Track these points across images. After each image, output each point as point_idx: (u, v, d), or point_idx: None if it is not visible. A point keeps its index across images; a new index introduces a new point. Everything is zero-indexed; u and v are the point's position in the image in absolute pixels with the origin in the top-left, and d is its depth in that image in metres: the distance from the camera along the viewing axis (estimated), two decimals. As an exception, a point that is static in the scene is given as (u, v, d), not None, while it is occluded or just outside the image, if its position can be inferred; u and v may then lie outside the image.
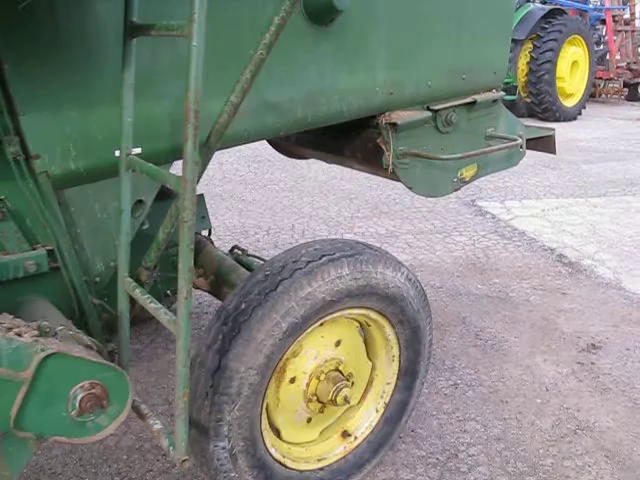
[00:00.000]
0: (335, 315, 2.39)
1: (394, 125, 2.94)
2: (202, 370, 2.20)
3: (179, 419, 1.93)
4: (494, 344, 3.88)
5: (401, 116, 2.97)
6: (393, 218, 6.08)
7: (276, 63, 2.49)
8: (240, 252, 3.21)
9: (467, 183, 3.45)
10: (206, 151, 2.07)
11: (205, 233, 3.46)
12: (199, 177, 2.36)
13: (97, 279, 2.40)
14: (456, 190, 3.39)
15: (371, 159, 3.12)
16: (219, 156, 3.81)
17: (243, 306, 2.22)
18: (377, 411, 2.72)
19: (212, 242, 3.30)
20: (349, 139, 3.18)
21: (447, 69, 3.06)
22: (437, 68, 3.01)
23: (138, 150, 2.26)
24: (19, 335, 1.78)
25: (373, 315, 2.50)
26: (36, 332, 1.81)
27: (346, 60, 2.71)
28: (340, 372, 2.51)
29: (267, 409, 2.44)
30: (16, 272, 2.18)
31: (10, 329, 1.78)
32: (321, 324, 2.43)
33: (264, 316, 2.17)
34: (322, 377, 2.47)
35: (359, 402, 2.72)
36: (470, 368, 3.61)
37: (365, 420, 2.72)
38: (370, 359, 2.69)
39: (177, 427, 1.94)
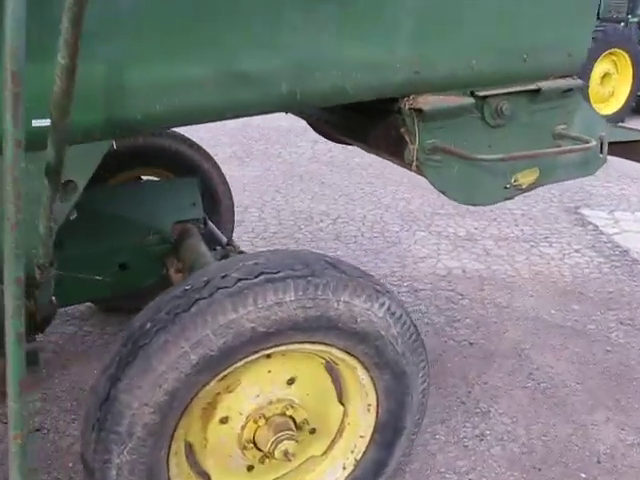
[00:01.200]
0: (279, 349, 1.85)
1: (420, 112, 2.30)
2: (93, 398, 1.74)
3: (13, 465, 1.49)
4: (548, 388, 3.13)
5: (430, 101, 2.31)
6: (478, 219, 5.33)
7: (253, 21, 1.95)
8: (232, 248, 2.72)
9: (525, 191, 2.73)
10: (56, 132, 1.55)
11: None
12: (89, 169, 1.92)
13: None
14: (508, 199, 2.68)
15: (395, 151, 2.50)
16: (313, 135, 3.34)
17: (148, 326, 1.72)
18: (344, 468, 2.13)
19: (201, 233, 2.82)
20: (373, 124, 2.58)
21: (500, 45, 2.34)
22: (485, 43, 2.31)
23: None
24: None
25: (337, 353, 1.93)
26: None
27: (354, 24, 2.10)
28: (289, 418, 1.97)
29: (190, 448, 1.95)
30: None
31: None
32: (268, 356, 1.90)
33: (168, 343, 1.66)
34: (261, 422, 1.93)
35: (323, 454, 2.15)
36: (508, 416, 2.90)
37: (328, 477, 2.16)
38: (342, 403, 2.12)
39: (11, 475, 1.50)
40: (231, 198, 3.66)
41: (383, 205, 5.67)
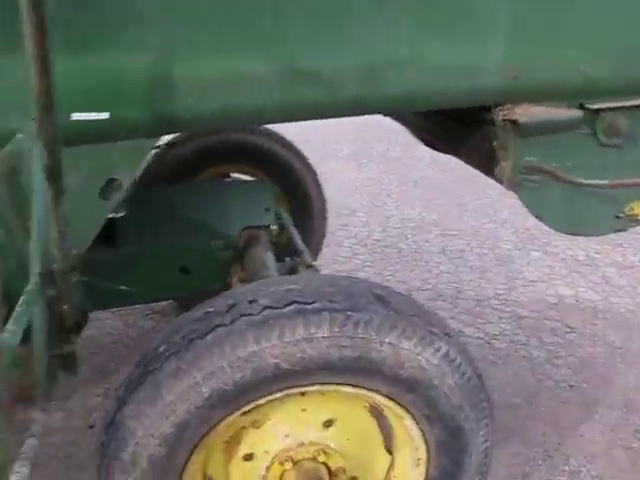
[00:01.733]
0: (312, 389, 1.61)
1: (516, 124, 1.96)
2: (101, 419, 1.60)
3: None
4: (657, 453, 2.68)
5: (530, 112, 1.97)
6: (601, 242, 4.75)
7: (319, 15, 1.72)
8: (301, 261, 2.49)
9: None
10: (43, 129, 1.37)
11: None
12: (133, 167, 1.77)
13: (55, 266, 1.88)
14: (620, 230, 2.27)
15: (488, 166, 2.17)
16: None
17: (161, 349, 1.54)
18: (386, 526, 1.87)
19: (273, 242, 2.61)
20: (466, 134, 2.26)
21: (618, 46, 1.96)
22: (599, 45, 1.94)
23: (105, 115, 1.68)
24: None
25: (382, 400, 1.66)
26: None
27: (439, 19, 1.81)
28: (321, 464, 1.72)
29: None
30: None
31: None
32: (302, 394, 1.66)
33: (180, 371, 1.47)
34: (288, 465, 1.70)
35: (363, 506, 1.89)
36: (602, 480, 2.50)
37: (366, 534, 1.89)
38: (390, 451, 1.85)
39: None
40: (323, 201, 3.45)
41: (499, 219, 5.23)
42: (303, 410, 1.70)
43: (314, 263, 2.55)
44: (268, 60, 1.72)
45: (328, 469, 1.72)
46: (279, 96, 1.76)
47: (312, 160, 3.44)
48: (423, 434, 1.70)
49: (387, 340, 1.53)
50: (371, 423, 1.78)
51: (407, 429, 1.71)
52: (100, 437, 1.57)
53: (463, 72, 1.85)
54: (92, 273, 2.28)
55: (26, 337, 1.73)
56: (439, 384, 1.60)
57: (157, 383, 1.48)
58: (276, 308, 1.50)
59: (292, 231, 2.81)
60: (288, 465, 1.68)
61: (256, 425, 1.69)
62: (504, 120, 1.96)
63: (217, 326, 1.49)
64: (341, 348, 1.50)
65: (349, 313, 1.51)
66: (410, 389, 1.59)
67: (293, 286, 1.56)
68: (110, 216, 2.54)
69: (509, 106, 1.96)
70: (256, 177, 3.27)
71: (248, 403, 1.55)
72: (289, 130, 3.12)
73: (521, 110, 1.95)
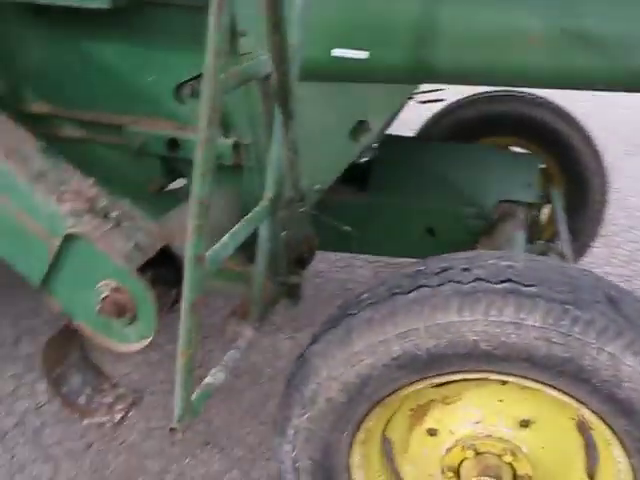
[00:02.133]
0: (512, 380, 1.45)
1: None
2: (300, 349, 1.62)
3: (178, 381, 1.45)
4: None
5: None
6: None
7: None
8: (553, 247, 2.24)
9: None
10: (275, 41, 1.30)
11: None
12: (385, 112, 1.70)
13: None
14: None
15: None
16: None
17: (364, 296, 1.50)
18: None
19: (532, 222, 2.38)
20: None
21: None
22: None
23: (364, 55, 1.66)
24: (61, 201, 1.53)
25: (590, 416, 1.43)
26: (82, 206, 1.53)
27: None
28: (506, 465, 1.55)
29: (390, 445, 1.69)
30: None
31: (63, 192, 1.55)
32: (503, 382, 1.51)
33: (373, 322, 1.42)
34: (470, 453, 1.56)
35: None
36: None
37: None
38: (590, 477, 1.60)
39: (175, 390, 1.46)
40: (604, 193, 3.08)
41: None
42: (500, 400, 1.54)
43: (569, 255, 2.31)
44: (547, 19, 1.54)
45: (513, 473, 1.56)
46: (551, 59, 1.57)
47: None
48: (633, 471, 1.45)
49: (607, 349, 1.30)
50: (576, 439, 1.56)
51: (614, 459, 1.47)
52: (291, 367, 1.60)
53: None
54: (337, 213, 2.33)
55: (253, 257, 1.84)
56: (666, 418, 1.34)
57: (350, 329, 1.45)
58: (488, 282, 1.36)
59: (559, 215, 2.56)
60: (470, 453, 1.55)
61: (447, 401, 1.59)
62: None
63: (422, 286, 1.41)
64: (550, 344, 1.32)
65: (568, 307, 1.31)
66: (626, 413, 1.35)
67: (513, 263, 1.40)
68: (366, 160, 2.57)
69: None
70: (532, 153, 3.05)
71: (438, 375, 1.44)
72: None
73: None
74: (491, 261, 1.42)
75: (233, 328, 1.83)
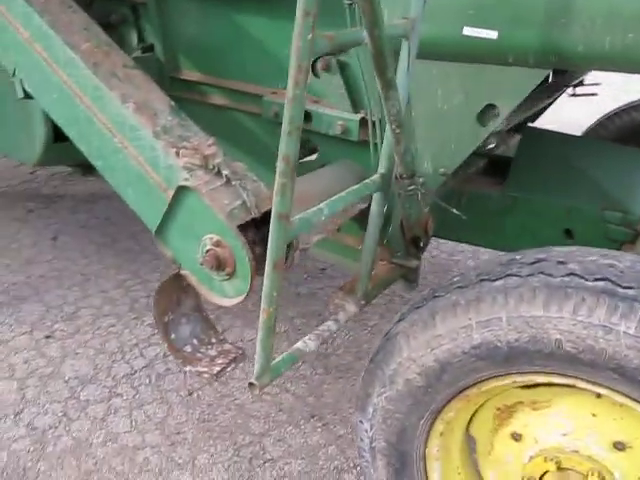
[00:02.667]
0: (604, 392, 1.30)
1: None
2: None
3: (258, 338, 1.48)
4: None
5: None
6: None
7: None
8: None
9: None
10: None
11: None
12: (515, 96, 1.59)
13: (421, 180, 1.91)
14: None
15: None
16: None
17: (455, 279, 1.44)
18: None
19: None
20: None
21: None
22: None
23: (494, 34, 1.60)
24: (178, 156, 1.63)
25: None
26: (197, 161, 1.61)
27: None
28: (591, 486, 1.40)
29: (474, 444, 1.60)
30: (325, 127, 1.94)
31: (182, 148, 1.64)
32: (598, 395, 1.37)
33: (458, 306, 1.36)
34: (552, 466, 1.43)
35: None
36: None
37: None
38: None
39: (257, 347, 1.49)
40: None
41: None
42: (594, 415, 1.40)
43: None
44: None
45: (595, 493, 1.41)
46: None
47: None
48: None
49: None
50: (680, 476, 1.38)
51: None
52: (378, 343, 1.58)
53: None
54: (474, 204, 2.25)
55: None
56: None
57: (434, 310, 1.40)
58: (581, 277, 1.24)
59: None
60: (552, 466, 1.43)
61: (535, 407, 1.47)
62: None
63: (511, 275, 1.32)
64: (643, 356, 1.18)
65: (673, 318, 1.17)
66: None
67: (616, 262, 1.26)
68: (504, 154, 2.45)
69: None
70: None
71: (520, 374, 1.34)
72: None
73: None
74: (591, 257, 1.29)
75: (337, 301, 1.85)
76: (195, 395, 2.34)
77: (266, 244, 1.57)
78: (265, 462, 2.09)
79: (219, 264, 1.61)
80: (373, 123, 1.83)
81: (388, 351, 1.49)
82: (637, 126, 2.74)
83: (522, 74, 1.63)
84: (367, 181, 1.62)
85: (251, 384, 1.53)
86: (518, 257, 1.38)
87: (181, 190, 1.60)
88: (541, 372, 1.33)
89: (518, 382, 1.41)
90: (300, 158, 2.13)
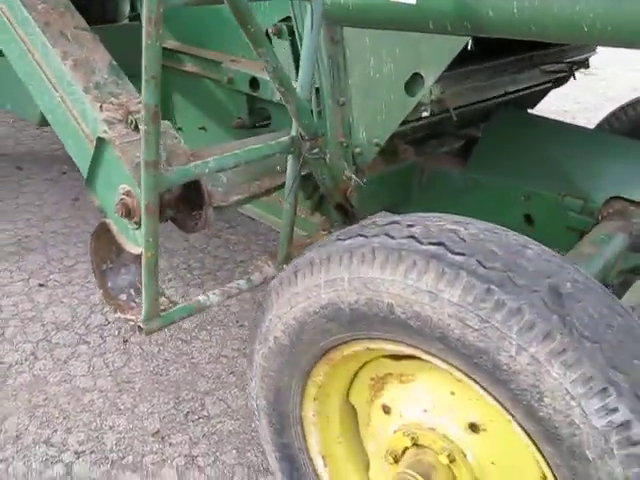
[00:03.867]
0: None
1: None
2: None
3: (142, 283, 1.50)
4: None
5: None
6: None
7: None
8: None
9: None
10: None
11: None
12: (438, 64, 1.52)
13: (357, 150, 1.86)
14: None
15: None
16: None
17: (338, 235, 1.38)
18: None
19: None
20: None
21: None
22: None
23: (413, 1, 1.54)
24: (102, 110, 1.67)
25: (520, 431, 1.15)
26: (119, 116, 1.65)
27: None
28: (444, 467, 1.31)
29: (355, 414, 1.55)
30: (270, 93, 1.93)
31: (109, 103, 1.69)
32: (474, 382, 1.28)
33: (314, 264, 1.32)
34: (408, 442, 1.35)
35: None
36: None
37: None
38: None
39: (142, 292, 1.52)
40: None
41: None
42: (452, 393, 1.32)
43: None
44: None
45: (452, 476, 1.33)
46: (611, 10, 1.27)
47: None
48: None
49: (530, 350, 1.05)
50: (534, 468, 1.27)
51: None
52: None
53: None
54: (436, 182, 2.16)
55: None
56: (596, 462, 1.03)
57: (297, 268, 1.37)
58: (418, 241, 1.18)
59: None
60: (408, 442, 1.36)
61: (402, 379, 1.41)
62: None
63: (360, 235, 1.27)
64: (465, 326, 1.10)
65: (493, 287, 1.08)
66: (548, 438, 1.07)
67: (461, 228, 1.18)
68: (470, 135, 2.32)
69: None
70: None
71: (370, 339, 1.30)
72: None
73: None
74: (440, 222, 1.22)
75: (258, 262, 1.84)
76: (156, 350, 2.40)
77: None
78: (200, 418, 2.11)
79: (129, 213, 1.64)
80: (317, 90, 1.81)
81: (263, 308, 1.47)
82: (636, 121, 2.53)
83: (442, 42, 1.56)
84: (272, 142, 1.60)
85: (139, 327, 1.57)
86: (378, 219, 1.33)
87: (100, 141, 1.65)
88: (388, 339, 1.28)
89: (380, 350, 1.36)
90: (255, 125, 2.16)
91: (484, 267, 1.11)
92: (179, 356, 2.38)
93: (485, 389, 1.16)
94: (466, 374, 1.18)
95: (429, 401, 1.36)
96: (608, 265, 1.73)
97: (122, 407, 2.14)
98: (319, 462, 1.59)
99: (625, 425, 1.01)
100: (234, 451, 2.01)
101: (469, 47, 1.54)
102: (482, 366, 1.11)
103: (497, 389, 1.12)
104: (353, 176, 1.81)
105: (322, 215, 2.03)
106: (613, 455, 1.01)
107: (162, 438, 2.03)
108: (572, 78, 2.37)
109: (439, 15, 1.50)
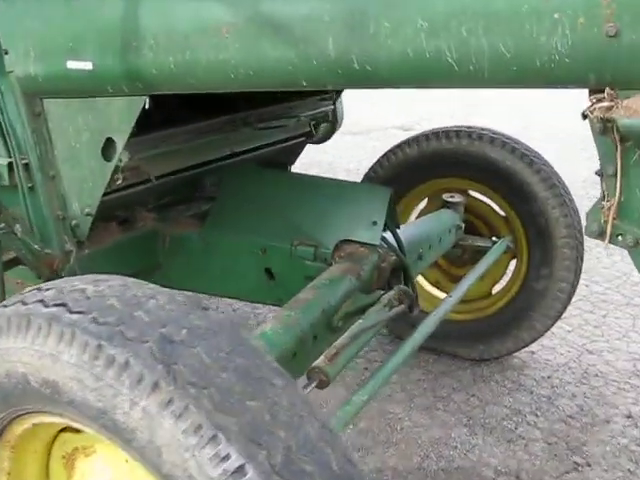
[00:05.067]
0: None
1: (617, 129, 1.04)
2: None
3: None
4: None
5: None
6: None
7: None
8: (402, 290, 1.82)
9: None
10: None
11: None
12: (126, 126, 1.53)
13: (74, 222, 1.78)
14: None
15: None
16: None
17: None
18: None
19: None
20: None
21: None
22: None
23: (89, 65, 1.52)
24: None
25: None
26: None
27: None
28: None
29: None
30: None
31: None
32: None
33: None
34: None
35: None
36: None
37: None
38: None
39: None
40: (577, 244, 2.54)
41: None
42: (127, 461, 1.24)
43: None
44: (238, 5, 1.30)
45: None
46: (243, 52, 1.31)
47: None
48: None
49: (141, 404, 0.99)
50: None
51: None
52: None
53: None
54: (179, 246, 2.11)
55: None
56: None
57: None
58: (44, 304, 1.11)
59: (403, 261, 2.10)
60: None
61: (87, 453, 1.31)
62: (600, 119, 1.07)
63: (21, 302, 1.17)
64: (84, 388, 1.03)
65: (103, 343, 1.02)
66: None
67: (91, 287, 1.13)
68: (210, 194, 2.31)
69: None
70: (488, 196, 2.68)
71: (24, 414, 1.19)
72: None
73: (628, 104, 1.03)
74: (76, 283, 1.16)
75: None
76: None
77: None
78: None
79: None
80: (25, 166, 1.73)
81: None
82: (408, 164, 2.64)
83: (124, 104, 1.56)
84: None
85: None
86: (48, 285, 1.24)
87: None
88: (41, 412, 1.17)
89: (48, 425, 1.25)
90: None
91: (97, 323, 1.05)
92: None
93: (127, 452, 1.09)
94: (108, 438, 1.11)
95: (109, 473, 1.27)
96: (329, 309, 1.73)
97: None
98: None
99: (239, 471, 0.96)
100: None
101: (146, 106, 1.52)
102: (108, 427, 1.04)
103: (129, 450, 1.06)
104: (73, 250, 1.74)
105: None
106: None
107: None
108: (314, 132, 2.42)
109: (113, 78, 1.50)
